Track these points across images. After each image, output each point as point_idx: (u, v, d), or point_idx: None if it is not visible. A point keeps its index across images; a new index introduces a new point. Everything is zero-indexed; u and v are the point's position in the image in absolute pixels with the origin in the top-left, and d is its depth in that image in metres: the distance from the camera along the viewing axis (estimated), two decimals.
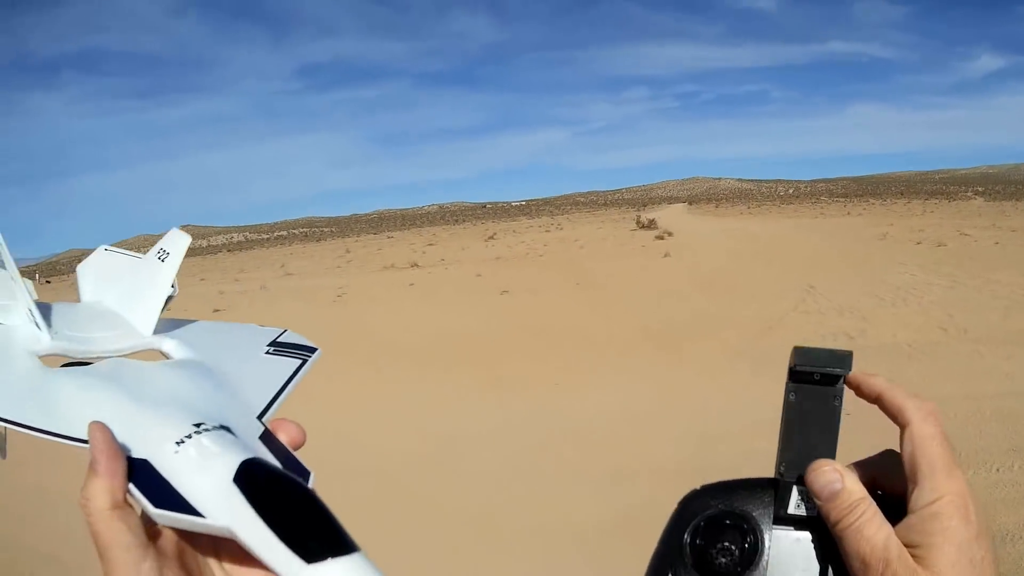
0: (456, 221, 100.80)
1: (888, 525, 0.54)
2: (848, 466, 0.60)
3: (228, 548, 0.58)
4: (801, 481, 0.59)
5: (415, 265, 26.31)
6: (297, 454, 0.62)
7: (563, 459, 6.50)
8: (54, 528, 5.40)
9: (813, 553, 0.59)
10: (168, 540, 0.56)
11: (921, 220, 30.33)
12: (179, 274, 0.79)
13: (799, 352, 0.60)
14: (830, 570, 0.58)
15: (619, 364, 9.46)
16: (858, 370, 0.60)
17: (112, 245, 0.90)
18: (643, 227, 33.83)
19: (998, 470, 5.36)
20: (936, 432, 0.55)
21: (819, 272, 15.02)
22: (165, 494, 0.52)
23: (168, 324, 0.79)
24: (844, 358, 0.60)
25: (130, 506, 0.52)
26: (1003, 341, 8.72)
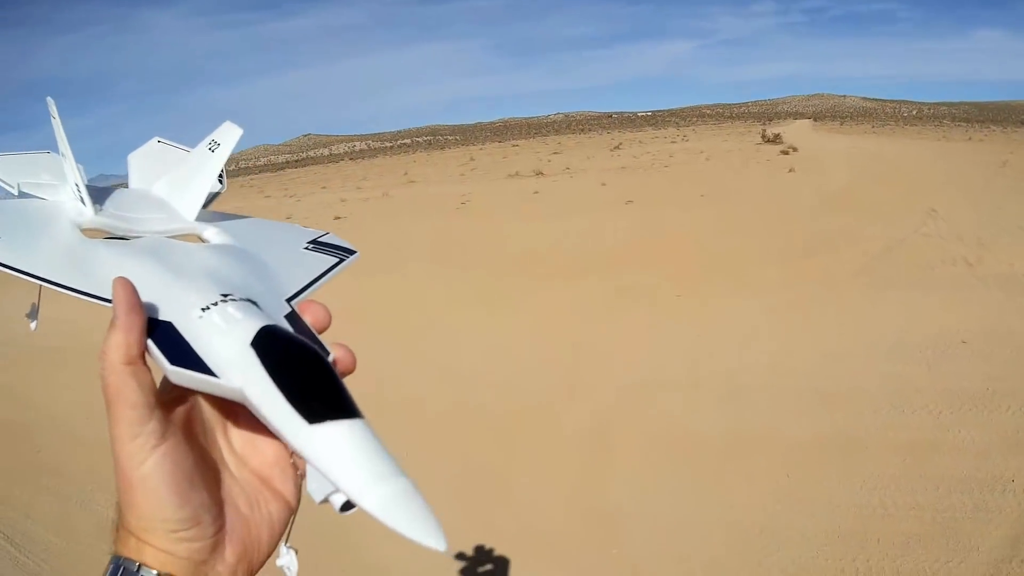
0: (582, 130, 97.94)
1: None
2: None
3: (240, 428, 0.61)
4: None
5: (540, 173, 25.50)
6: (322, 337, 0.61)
7: (682, 372, 6.45)
8: None
9: None
10: (180, 412, 0.56)
11: None
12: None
13: None
14: None
15: (740, 278, 9.17)
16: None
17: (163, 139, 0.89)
18: (768, 141, 32.67)
19: None
20: None
21: (941, 196, 14.23)
22: (182, 353, 0.53)
23: (213, 215, 0.80)
24: None
25: (146, 366, 0.53)
26: None
